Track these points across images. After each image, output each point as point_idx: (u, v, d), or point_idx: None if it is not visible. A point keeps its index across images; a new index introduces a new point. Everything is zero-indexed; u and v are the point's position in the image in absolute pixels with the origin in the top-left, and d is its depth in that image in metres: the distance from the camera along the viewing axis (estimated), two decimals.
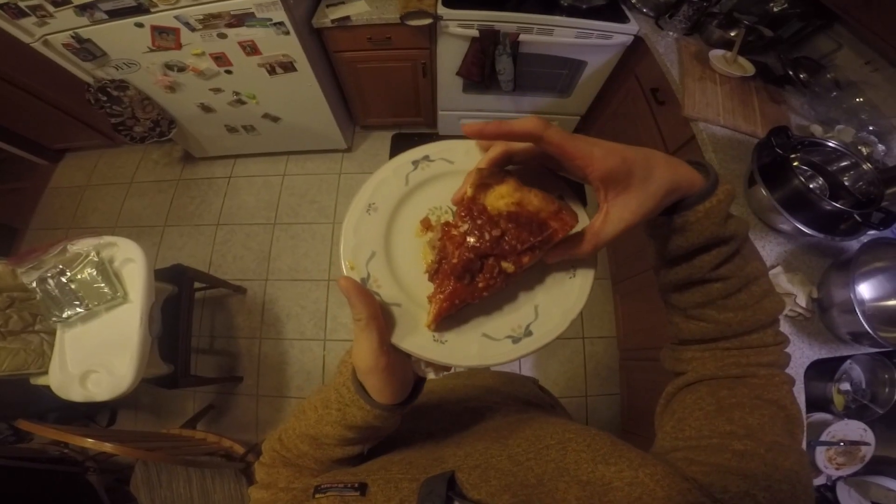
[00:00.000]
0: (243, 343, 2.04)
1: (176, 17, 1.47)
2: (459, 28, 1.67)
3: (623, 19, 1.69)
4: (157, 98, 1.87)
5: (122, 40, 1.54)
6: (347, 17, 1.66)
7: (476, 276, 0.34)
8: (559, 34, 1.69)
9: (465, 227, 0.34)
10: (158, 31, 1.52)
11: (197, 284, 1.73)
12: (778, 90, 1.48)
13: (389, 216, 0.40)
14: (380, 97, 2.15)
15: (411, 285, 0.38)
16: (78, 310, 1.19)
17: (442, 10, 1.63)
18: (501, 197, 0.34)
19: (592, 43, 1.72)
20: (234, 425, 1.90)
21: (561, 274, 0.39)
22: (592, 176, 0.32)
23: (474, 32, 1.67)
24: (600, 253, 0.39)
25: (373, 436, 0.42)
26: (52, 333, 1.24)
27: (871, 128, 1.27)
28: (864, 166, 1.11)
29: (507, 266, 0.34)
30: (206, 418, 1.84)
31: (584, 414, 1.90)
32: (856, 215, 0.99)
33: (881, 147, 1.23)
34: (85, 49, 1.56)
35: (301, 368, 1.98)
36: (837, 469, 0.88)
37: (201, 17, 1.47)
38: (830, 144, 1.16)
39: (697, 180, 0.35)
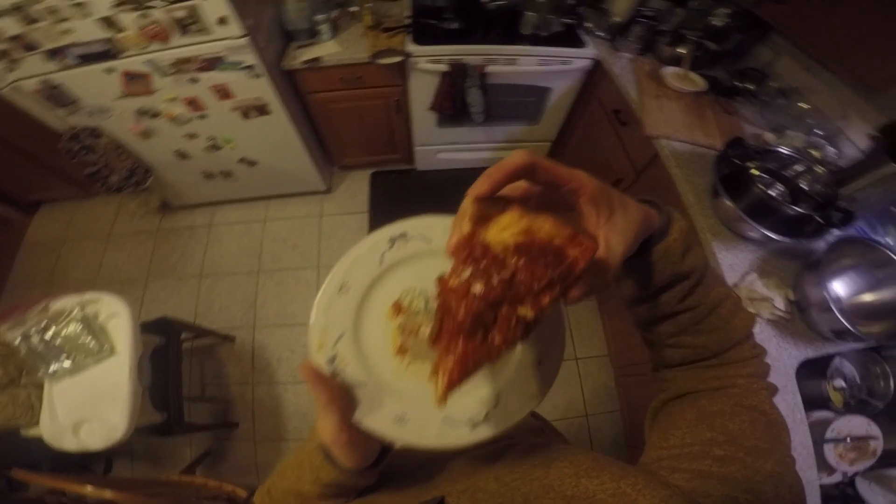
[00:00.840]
0: (236, 389, 1.96)
1: (146, 63, 1.44)
2: (429, 64, 1.70)
3: (580, 44, 1.75)
4: (131, 145, 1.81)
5: (94, 86, 1.50)
6: (318, 59, 1.67)
7: (490, 331, 0.28)
8: (523, 63, 1.74)
9: (468, 272, 0.28)
10: (129, 76, 1.49)
11: (184, 334, 1.67)
12: (729, 102, 1.55)
13: (361, 297, 0.40)
14: (355, 136, 2.16)
15: (377, 366, 0.38)
16: (64, 364, 1.18)
17: (411, 48, 1.66)
18: (505, 228, 0.28)
19: (554, 69, 1.78)
20: (234, 470, 1.82)
21: (528, 360, 0.38)
22: (585, 198, 0.29)
23: (444, 67, 1.70)
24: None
25: (352, 489, 0.42)
26: (40, 387, 1.21)
27: (817, 131, 1.33)
28: (818, 169, 1.16)
29: (526, 312, 0.27)
30: (204, 464, 1.77)
31: (587, 433, 1.88)
32: (816, 217, 1.02)
33: (831, 149, 1.28)
34: (56, 95, 1.52)
35: (296, 411, 1.91)
36: (851, 465, 0.88)
37: (172, 61, 1.45)
38: (783, 151, 1.21)
39: (655, 218, 0.35)
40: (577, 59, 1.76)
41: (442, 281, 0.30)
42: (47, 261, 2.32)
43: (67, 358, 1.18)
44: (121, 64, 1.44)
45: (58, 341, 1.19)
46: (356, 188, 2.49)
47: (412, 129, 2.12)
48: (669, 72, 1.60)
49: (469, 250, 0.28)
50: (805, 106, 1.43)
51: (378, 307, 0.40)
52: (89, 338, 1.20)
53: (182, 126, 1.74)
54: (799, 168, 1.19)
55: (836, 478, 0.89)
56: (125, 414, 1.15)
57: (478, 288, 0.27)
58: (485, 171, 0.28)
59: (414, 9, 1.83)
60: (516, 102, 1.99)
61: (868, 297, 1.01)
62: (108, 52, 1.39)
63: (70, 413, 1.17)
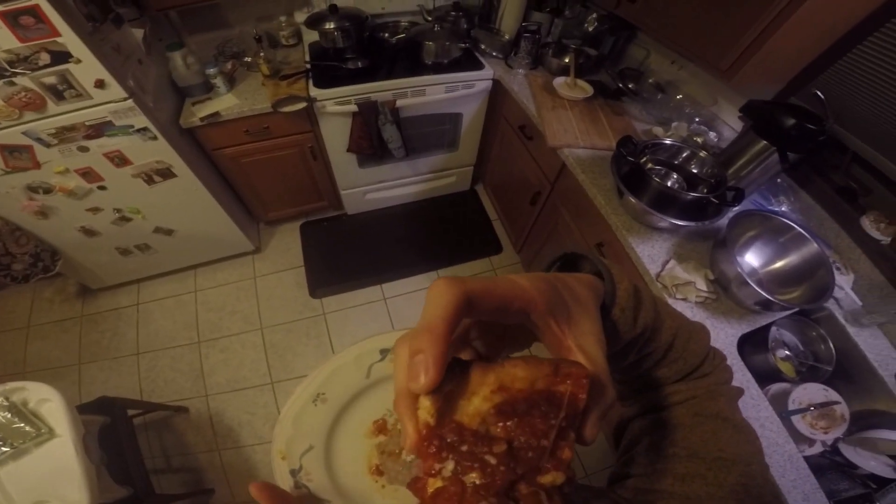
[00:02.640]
0: (203, 457, 1.72)
1: (24, 133, 1.22)
2: (337, 106, 1.57)
3: (479, 66, 1.71)
4: (29, 227, 1.53)
5: None
6: (216, 114, 1.49)
7: None
8: (431, 92, 1.66)
9: (450, 467, 0.19)
10: (8, 149, 1.25)
11: (133, 411, 1.49)
12: (617, 103, 1.56)
13: (338, 411, 0.34)
14: (275, 189, 1.96)
15: (347, 485, 0.33)
16: (3, 449, 1.08)
17: (314, 92, 1.52)
18: (473, 394, 0.21)
19: (461, 94, 1.72)
20: None
21: None
22: (538, 312, 0.22)
23: (353, 108, 1.59)
24: None
25: None
26: None
27: (697, 119, 1.35)
28: (702, 154, 1.16)
29: (553, 478, 0.19)
30: None
31: None
32: (712, 198, 1.01)
33: (712, 134, 1.31)
34: None
35: (271, 470, 1.66)
36: (826, 433, 0.82)
37: (53, 130, 1.24)
38: (668, 142, 1.20)
39: (600, 287, 0.28)
40: (479, 80, 1.71)
41: (415, 487, 0.20)
42: None
43: (4, 444, 1.08)
44: None
45: None
46: (287, 242, 2.27)
47: (333, 173, 1.96)
48: (560, 82, 1.58)
49: (438, 441, 0.20)
50: (680, 97, 1.44)
51: (356, 423, 0.35)
52: (22, 423, 1.09)
53: (81, 200, 1.49)
54: (686, 155, 1.19)
55: (817, 448, 0.84)
56: (84, 491, 1.05)
57: (474, 478, 0.19)
58: (413, 345, 0.19)
59: (312, 53, 1.68)
60: (432, 132, 1.92)
61: (779, 264, 1.00)
62: None
63: (26, 494, 1.06)
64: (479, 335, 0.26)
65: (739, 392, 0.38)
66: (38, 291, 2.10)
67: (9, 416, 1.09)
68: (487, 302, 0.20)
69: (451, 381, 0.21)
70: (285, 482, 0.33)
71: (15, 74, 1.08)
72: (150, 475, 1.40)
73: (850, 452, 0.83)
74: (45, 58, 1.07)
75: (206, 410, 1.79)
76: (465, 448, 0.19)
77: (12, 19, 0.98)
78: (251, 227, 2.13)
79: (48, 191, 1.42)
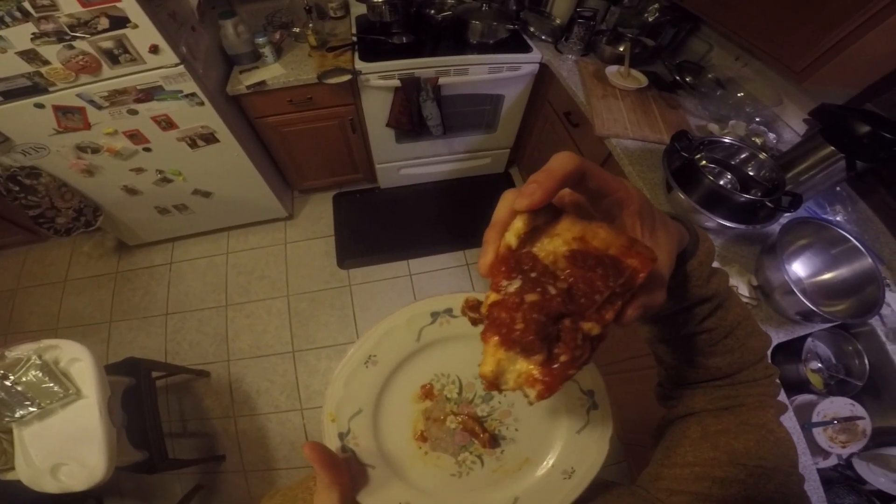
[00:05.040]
0: (218, 423, 1.83)
1: (78, 96, 1.31)
2: (380, 80, 1.62)
3: (526, 49, 1.72)
4: (75, 184, 1.65)
5: (24, 123, 1.36)
6: (263, 82, 1.56)
7: (554, 348, 0.23)
8: (474, 72, 1.69)
9: (516, 284, 0.23)
10: (62, 111, 1.35)
11: (157, 373, 1.57)
12: (672, 96, 1.54)
13: (389, 374, 0.35)
14: (313, 159, 2.04)
15: (392, 451, 0.35)
16: (30, 409, 1.14)
17: (360, 65, 1.58)
18: (556, 235, 0.24)
19: (505, 76, 1.73)
20: (227, 503, 1.71)
21: (556, 469, 0.35)
22: (631, 209, 0.25)
23: (396, 83, 1.63)
24: None
25: None
26: (9, 432, 1.16)
27: (757, 119, 1.33)
28: (761, 156, 1.15)
29: (591, 327, 0.22)
30: (197, 499, 1.65)
31: None
32: (767, 202, 1.01)
33: (772, 135, 1.29)
34: None
35: (284, 440, 1.80)
36: (844, 447, 0.84)
37: (106, 93, 1.32)
38: (728, 140, 1.19)
39: (685, 236, 0.32)
40: (525, 63, 1.72)
41: (472, 304, 0.26)
42: (2, 311, 2.11)
43: (32, 404, 1.14)
44: (50, 98, 1.30)
45: (19, 388, 1.13)
46: (320, 212, 2.36)
47: (371, 147, 2.02)
48: (612, 71, 1.58)
49: (514, 264, 0.23)
50: (741, 95, 1.43)
51: (405, 387, 0.36)
52: (52, 383, 1.14)
53: (127, 160, 1.60)
54: (744, 156, 1.18)
55: (831, 461, 0.86)
56: (103, 454, 1.11)
57: (532, 297, 0.22)
58: (531, 178, 0.23)
59: (359, 26, 1.74)
60: (472, 112, 1.94)
61: (828, 276, 1.00)
62: (35, 87, 1.25)
63: (46, 456, 1.12)
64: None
65: (785, 408, 0.39)
66: (77, 246, 2.26)
67: (40, 374, 1.15)
68: (597, 180, 0.24)
69: (544, 217, 0.24)
70: (333, 444, 0.34)
71: (75, 38, 1.15)
72: (165, 439, 1.46)
73: (863, 468, 0.85)
74: (104, 22, 1.14)
75: (226, 376, 1.90)
76: (533, 276, 0.23)
77: None
78: (286, 195, 2.22)
79: (96, 151, 1.52)
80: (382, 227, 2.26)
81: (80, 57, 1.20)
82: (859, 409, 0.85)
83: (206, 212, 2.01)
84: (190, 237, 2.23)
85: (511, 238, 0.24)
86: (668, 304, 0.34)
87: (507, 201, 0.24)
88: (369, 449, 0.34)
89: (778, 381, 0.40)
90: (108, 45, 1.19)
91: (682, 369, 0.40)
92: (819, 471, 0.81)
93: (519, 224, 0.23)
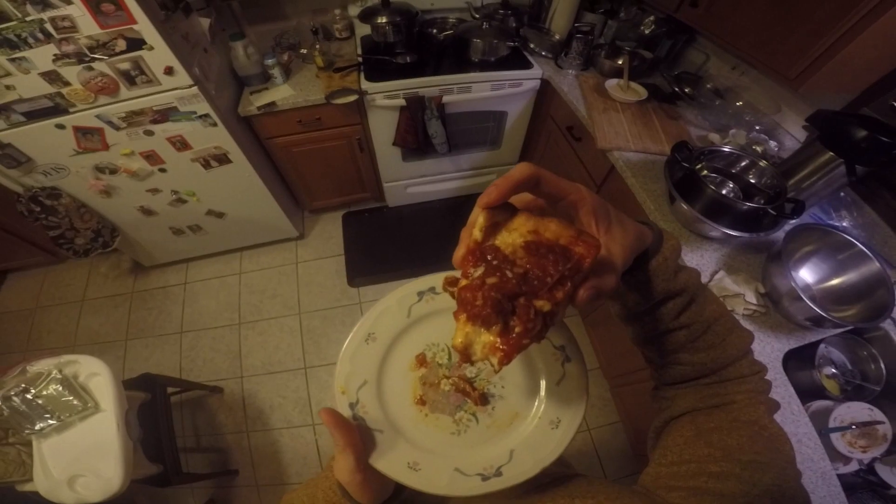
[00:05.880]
0: (231, 438, 1.84)
1: (97, 117, 1.35)
2: (386, 100, 1.65)
3: (527, 65, 1.74)
4: (93, 205, 1.69)
5: (46, 143, 1.39)
6: (273, 104, 1.60)
7: (510, 321, 0.27)
8: (477, 89, 1.72)
9: (480, 270, 0.28)
10: (81, 131, 1.39)
11: (171, 388, 1.59)
12: (672, 107, 1.55)
13: (386, 348, 0.40)
14: (322, 178, 2.08)
15: (396, 415, 0.39)
16: (50, 422, 1.16)
17: (366, 85, 1.61)
18: (514, 230, 0.28)
19: (507, 92, 1.76)
20: None
21: (545, 421, 0.38)
22: (585, 210, 0.29)
23: (401, 102, 1.66)
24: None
25: None
26: (28, 444, 1.18)
27: (757, 127, 1.34)
28: (762, 164, 1.15)
29: (542, 304, 0.27)
30: None
31: (592, 447, 1.80)
32: (770, 209, 1.01)
33: (773, 143, 1.29)
34: (7, 155, 1.40)
35: (296, 455, 1.80)
36: (864, 452, 0.83)
37: (123, 114, 1.36)
38: (727, 149, 1.20)
39: (648, 235, 0.35)
40: (526, 79, 1.75)
41: (451, 280, 0.30)
42: (21, 329, 2.15)
43: (52, 417, 1.16)
44: (71, 119, 1.34)
45: (40, 401, 1.16)
46: (330, 231, 2.40)
47: (378, 166, 2.05)
48: (612, 84, 1.59)
49: (480, 254, 0.28)
50: (740, 104, 1.43)
51: (402, 358, 0.41)
52: (72, 397, 1.17)
53: (143, 181, 1.64)
54: (745, 164, 1.19)
55: (852, 466, 0.84)
56: (119, 467, 1.13)
57: (492, 280, 0.27)
58: (492, 183, 0.28)
59: (364, 47, 1.77)
60: (476, 129, 1.97)
61: (836, 281, 0.99)
62: (56, 108, 1.30)
63: (64, 468, 1.14)
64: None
65: (777, 405, 0.39)
66: (94, 266, 2.30)
67: (60, 388, 1.18)
68: (549, 185, 0.28)
69: (503, 215, 0.29)
70: (345, 415, 0.38)
71: (94, 60, 1.19)
72: (179, 453, 1.48)
73: (886, 472, 0.83)
74: (121, 44, 1.18)
75: (239, 392, 1.91)
76: (494, 263, 0.27)
77: (95, 6, 1.07)
78: (296, 215, 2.25)
79: (114, 171, 1.55)
80: (391, 245, 2.28)
81: (100, 78, 1.24)
82: (878, 414, 0.84)
83: (219, 232, 2.04)
84: (203, 258, 2.27)
85: (476, 232, 0.28)
86: (640, 300, 0.37)
87: (476, 209, 0.29)
88: (376, 416, 0.38)
89: (768, 378, 0.41)
90: (125, 66, 1.23)
91: (670, 368, 0.42)
92: (840, 476, 0.79)
93: (480, 220, 0.28)
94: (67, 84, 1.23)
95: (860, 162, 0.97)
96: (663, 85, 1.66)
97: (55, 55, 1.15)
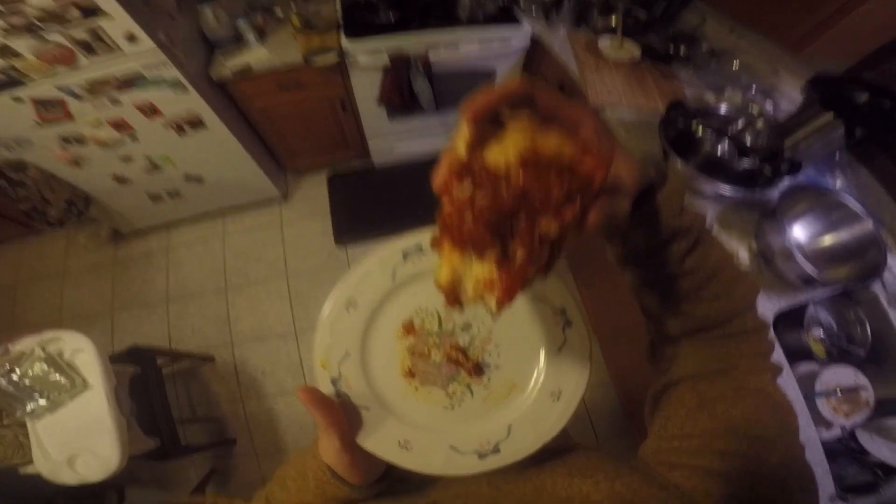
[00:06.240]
0: (226, 407, 1.82)
1: (58, 88, 1.26)
2: (369, 58, 1.55)
3: (516, 22, 1.64)
4: (63, 175, 1.61)
5: (4, 117, 1.31)
6: (248, 66, 1.49)
7: (508, 247, 0.22)
8: (464, 47, 1.61)
9: (467, 190, 0.23)
10: (41, 103, 1.30)
11: (162, 360, 1.56)
12: (666, 67, 1.49)
13: (369, 315, 0.36)
14: (304, 139, 1.96)
15: (383, 389, 0.35)
16: (40, 402, 1.13)
17: (346, 44, 1.49)
18: (506, 145, 0.23)
19: (496, 51, 1.66)
20: (242, 486, 1.71)
21: (544, 393, 0.35)
22: (586, 130, 0.24)
23: (385, 60, 1.56)
24: None
25: (361, 500, 0.38)
26: (23, 426, 1.15)
27: (754, 88, 1.29)
28: (758, 124, 1.11)
29: (548, 226, 0.21)
30: (212, 483, 1.65)
31: (585, 410, 1.80)
32: (766, 168, 0.99)
33: (769, 104, 1.24)
34: None
35: (291, 422, 1.79)
36: (847, 418, 0.82)
37: (85, 84, 1.27)
38: (724, 109, 1.15)
39: (651, 169, 0.31)
40: (516, 37, 1.64)
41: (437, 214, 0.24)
42: (4, 306, 2.06)
43: (41, 396, 1.13)
44: (28, 91, 1.25)
45: (27, 381, 1.13)
46: (315, 192, 2.28)
47: (363, 125, 1.94)
48: (605, 42, 1.52)
49: (465, 173, 0.23)
50: (737, 65, 1.37)
51: (387, 326, 0.36)
52: (58, 375, 1.14)
53: (113, 149, 1.55)
54: (741, 124, 1.14)
55: (835, 432, 0.83)
56: (115, 444, 1.11)
57: (482, 198, 0.22)
58: (482, 94, 0.23)
59: (344, 5, 1.64)
60: (465, 87, 1.86)
61: (828, 241, 0.97)
62: (11, 81, 1.21)
63: (61, 448, 1.11)
64: None
65: (780, 369, 0.37)
66: (72, 237, 2.18)
67: (45, 367, 1.15)
68: (546, 99, 0.23)
69: (493, 127, 0.23)
70: (327, 391, 0.34)
71: (46, 30, 1.09)
72: (176, 425, 1.45)
73: (866, 439, 0.83)
74: (74, 12, 1.08)
75: (230, 360, 1.88)
76: (484, 181, 0.22)
77: None
78: (279, 176, 2.15)
79: (81, 141, 1.46)
80: (378, 204, 2.19)
81: (55, 49, 1.14)
82: (862, 379, 0.82)
83: (198, 196, 1.94)
84: (185, 222, 2.16)
85: (459, 146, 0.22)
86: (646, 237, 0.33)
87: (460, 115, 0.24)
88: (361, 391, 0.34)
89: (772, 336, 0.38)
90: (81, 35, 1.13)
91: (670, 320, 0.37)
92: (823, 442, 0.79)
93: (465, 130, 0.22)
94: (19, 56, 1.14)
95: (860, 125, 0.94)
96: (658, 45, 1.57)
97: (3, 28, 1.06)
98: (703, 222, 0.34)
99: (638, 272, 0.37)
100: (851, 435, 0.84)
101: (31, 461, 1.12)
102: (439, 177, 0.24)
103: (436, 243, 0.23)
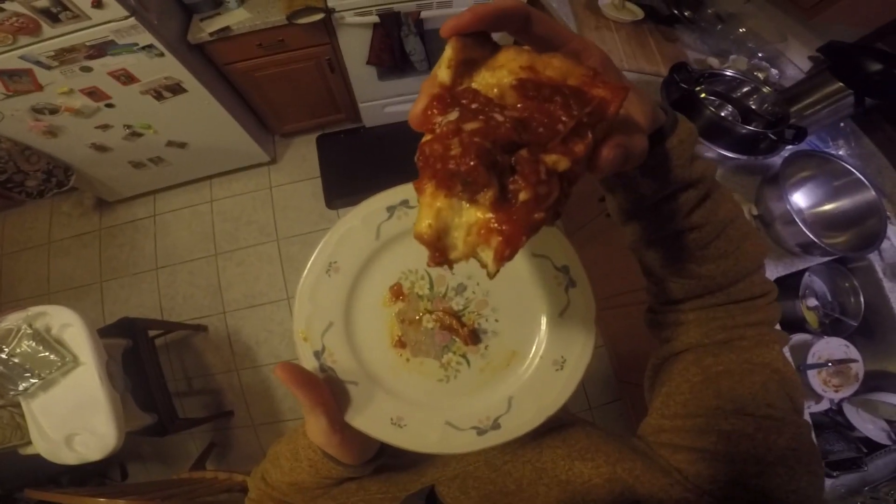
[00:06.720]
0: (222, 378, 1.79)
1: (22, 58, 1.18)
2: (357, 17, 1.42)
3: None
4: (39, 146, 1.54)
5: None
6: (227, 28, 1.37)
7: (507, 184, 0.16)
8: (458, 3, 1.48)
9: (454, 115, 0.17)
10: (7, 74, 1.23)
11: (154, 331, 1.51)
12: (670, 30, 1.39)
13: (353, 279, 0.31)
14: (290, 102, 1.84)
15: (371, 362, 0.31)
16: (32, 381, 1.09)
17: (332, 2, 1.37)
18: (499, 67, 0.19)
19: None
20: (242, 458, 1.71)
21: (546, 362, 0.31)
22: (592, 61, 0.21)
23: (374, 18, 1.43)
24: None
25: (356, 477, 0.37)
26: (18, 406, 1.12)
27: (760, 54, 1.22)
28: (765, 90, 1.06)
29: (556, 160, 0.16)
30: (213, 456, 1.64)
31: None
32: (770, 134, 0.93)
33: (774, 71, 1.18)
34: None
35: (287, 392, 1.75)
36: (836, 391, 0.80)
37: (52, 53, 1.19)
38: (729, 74, 1.10)
39: (661, 114, 0.27)
40: None
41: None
42: None
43: (32, 375, 1.09)
44: None
45: (16, 359, 1.08)
46: (303, 154, 2.16)
47: (352, 86, 1.82)
48: (606, 2, 1.40)
49: (450, 100, 0.18)
50: (743, 30, 1.28)
51: (373, 291, 0.32)
52: (47, 352, 1.09)
53: (89, 118, 1.46)
54: (746, 89, 1.09)
55: (823, 405, 0.82)
56: (111, 422, 1.07)
57: (473, 124, 0.16)
58: (470, 9, 0.18)
59: None
60: None
61: (829, 207, 0.94)
62: None
63: (58, 428, 1.09)
64: None
65: (787, 339, 0.34)
66: (55, 206, 2.08)
67: (34, 344, 1.10)
68: (545, 26, 0.21)
69: (481, 51, 0.19)
70: (310, 366, 0.31)
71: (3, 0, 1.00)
72: (172, 398, 1.42)
73: (852, 413, 0.82)
74: None
75: (224, 329, 1.83)
76: (474, 106, 0.17)
77: None
78: (266, 139, 2.04)
79: (54, 111, 1.38)
80: (370, 165, 2.10)
81: (14, 19, 1.07)
82: (853, 352, 0.81)
83: (183, 162, 1.84)
84: (171, 188, 2.06)
85: (443, 71, 0.18)
86: (654, 187, 0.29)
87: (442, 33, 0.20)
88: (348, 365, 0.31)
89: (777, 302, 0.35)
90: (43, 3, 1.05)
91: (673, 281, 0.34)
92: (811, 415, 0.78)
93: (449, 52, 0.18)
94: None
95: (871, 94, 0.90)
96: (661, 7, 1.47)
97: None
98: (714, 172, 0.31)
99: (641, 227, 0.33)
100: (839, 409, 0.84)
101: (29, 442, 1.09)
102: (418, 106, 0.19)
103: (418, 185, 0.18)
